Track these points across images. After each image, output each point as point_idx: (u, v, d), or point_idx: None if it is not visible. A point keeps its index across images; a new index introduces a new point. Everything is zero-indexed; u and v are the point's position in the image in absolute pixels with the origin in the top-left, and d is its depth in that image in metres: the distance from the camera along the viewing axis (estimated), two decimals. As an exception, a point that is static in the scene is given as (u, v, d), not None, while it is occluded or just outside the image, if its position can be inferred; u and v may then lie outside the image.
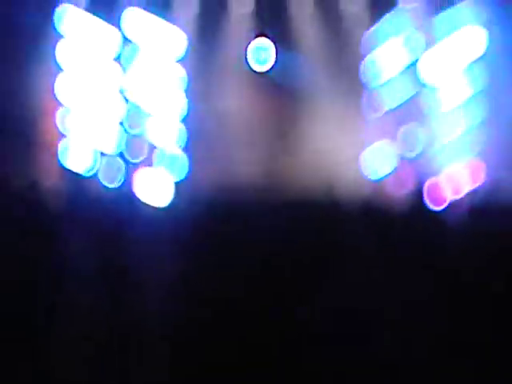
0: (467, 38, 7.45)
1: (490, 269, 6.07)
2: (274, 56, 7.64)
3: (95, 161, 7.35)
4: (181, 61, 7.61)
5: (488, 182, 7.27)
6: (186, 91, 7.56)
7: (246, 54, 7.63)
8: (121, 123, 7.47)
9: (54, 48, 7.25)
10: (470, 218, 7.12)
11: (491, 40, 7.33)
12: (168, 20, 7.56)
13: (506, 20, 7.15)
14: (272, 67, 7.65)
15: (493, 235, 6.81)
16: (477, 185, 7.34)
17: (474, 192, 7.26)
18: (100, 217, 6.65)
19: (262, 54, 7.66)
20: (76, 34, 7.36)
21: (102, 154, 7.42)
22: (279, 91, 7.59)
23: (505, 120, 7.22)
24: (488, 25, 7.34)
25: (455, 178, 7.42)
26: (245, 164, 7.33)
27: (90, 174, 7.32)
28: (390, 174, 7.55)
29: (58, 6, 7.24)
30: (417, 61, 7.55)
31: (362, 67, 7.61)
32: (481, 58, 7.43)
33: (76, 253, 6.02)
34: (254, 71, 7.64)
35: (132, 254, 6.20)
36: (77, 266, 5.43)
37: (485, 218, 7.03)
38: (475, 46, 7.43)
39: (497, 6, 7.23)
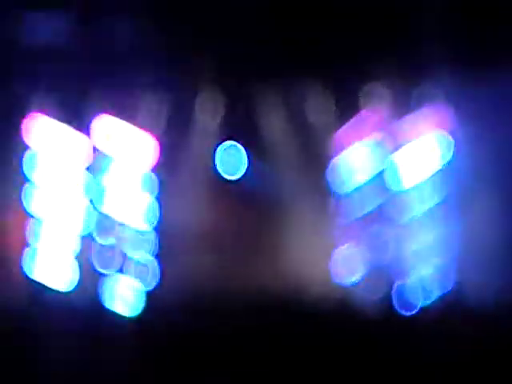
0: (432, 143, 7.73)
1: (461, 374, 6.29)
2: (244, 164, 7.86)
3: (65, 271, 7.40)
4: (152, 168, 7.79)
5: (457, 286, 7.46)
6: (157, 199, 7.72)
7: (214, 162, 7.86)
8: (90, 233, 7.56)
9: (21, 158, 7.40)
10: (441, 323, 7.43)
11: (457, 146, 7.63)
12: (137, 126, 7.76)
13: (471, 128, 7.45)
14: (242, 175, 7.87)
15: (463, 341, 7.13)
16: (446, 289, 7.51)
17: (443, 296, 7.45)
18: (71, 327, 6.87)
19: (230, 161, 7.89)
20: (45, 143, 7.51)
21: (73, 264, 7.47)
22: (248, 199, 7.78)
23: (474, 225, 7.45)
24: (453, 131, 7.64)
25: (425, 283, 7.60)
26: (215, 270, 7.49)
27: (61, 284, 7.34)
28: (360, 279, 7.70)
29: (26, 115, 7.40)
30: (383, 166, 7.81)
31: (329, 173, 7.86)
32: (447, 164, 7.69)
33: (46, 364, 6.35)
34: (224, 179, 7.85)
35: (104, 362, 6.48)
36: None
37: (454, 324, 7.34)
38: (441, 153, 7.71)
39: (462, 114, 7.56)
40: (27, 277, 7.31)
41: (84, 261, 7.52)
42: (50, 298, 7.20)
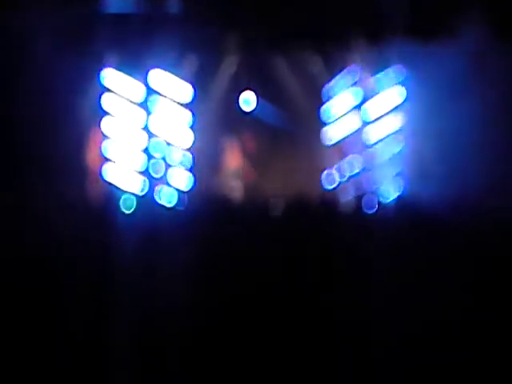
0: (392, 92, 11.00)
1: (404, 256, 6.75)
2: (256, 102, 11.27)
3: (129, 177, 10.76)
4: (188, 106, 11.09)
5: (406, 193, 10.59)
6: (192, 127, 11.06)
7: (237, 100, 11.26)
8: (146, 150, 10.89)
9: (100, 97, 10.73)
10: (393, 217, 9.77)
11: (407, 94, 10.85)
12: (180, 77, 11.07)
13: (417, 82, 10.63)
14: (254, 109, 11.22)
15: (408, 231, 8.35)
16: (398, 194, 10.64)
17: (396, 199, 10.28)
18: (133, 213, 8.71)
19: (248, 101, 11.30)
20: (115, 88, 10.80)
21: (133, 171, 10.76)
22: (261, 127, 11.08)
23: (418, 149, 10.59)
24: (405, 84, 10.88)
25: (384, 189, 10.77)
26: (234, 180, 10.77)
27: (129, 187, 10.61)
28: (338, 185, 11.00)
29: (103, 69, 10.80)
30: (359, 106, 11.14)
31: (322, 110, 11.25)
32: (401, 107, 10.93)
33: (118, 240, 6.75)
34: (243, 111, 11.21)
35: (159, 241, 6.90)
36: (120, 252, 6.59)
37: (403, 218, 9.35)
38: (397, 99, 10.95)
39: (411, 74, 10.75)
40: (106, 181, 10.54)
41: (141, 169, 10.77)
42: (118, 195, 10.20)
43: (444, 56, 10.00)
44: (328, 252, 7.11)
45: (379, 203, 9.81)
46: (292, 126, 11.15)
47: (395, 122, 11.00)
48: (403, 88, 10.95)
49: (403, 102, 10.94)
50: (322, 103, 11.26)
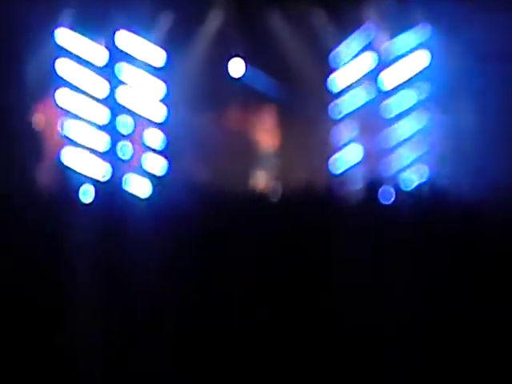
0: (414, 57, 9.94)
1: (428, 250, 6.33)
2: (246, 68, 10.12)
3: (90, 160, 9.59)
4: (160, 74, 9.92)
5: (431, 179, 9.43)
6: (164, 100, 9.90)
7: (226, 66, 10.11)
8: (113, 128, 9.70)
9: (54, 63, 9.44)
10: (415, 210, 8.95)
11: (433, 59, 9.80)
12: (149, 40, 9.88)
13: (445, 45, 9.56)
14: (244, 76, 10.12)
15: (434, 225, 8.41)
16: (421, 181, 9.44)
17: (418, 187, 9.26)
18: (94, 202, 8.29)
19: (237, 66, 10.13)
20: (74, 51, 9.54)
21: (96, 153, 9.61)
22: (253, 99, 9.98)
23: (445, 126, 9.51)
24: (431, 47, 9.81)
25: (404, 174, 9.73)
26: (217, 164, 9.58)
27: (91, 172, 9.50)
28: (348, 170, 9.94)
29: (58, 28, 9.48)
30: (375, 75, 10.03)
31: (330, 79, 10.12)
32: (425, 74, 9.86)
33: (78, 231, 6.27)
34: (232, 77, 10.09)
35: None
36: (82, 245, 6.10)
37: (428, 211, 8.80)
38: (420, 65, 9.91)
39: (437, 35, 9.69)
40: (62, 165, 9.42)
41: (106, 150, 9.65)
42: (78, 181, 8.94)
43: (475, 14, 9.06)
44: (335, 249, 6.53)
45: (398, 192, 8.46)
46: (293, 99, 10.00)
47: (418, 92, 9.96)
48: (428, 52, 9.90)
49: (428, 69, 9.91)
50: (331, 71, 10.16)
